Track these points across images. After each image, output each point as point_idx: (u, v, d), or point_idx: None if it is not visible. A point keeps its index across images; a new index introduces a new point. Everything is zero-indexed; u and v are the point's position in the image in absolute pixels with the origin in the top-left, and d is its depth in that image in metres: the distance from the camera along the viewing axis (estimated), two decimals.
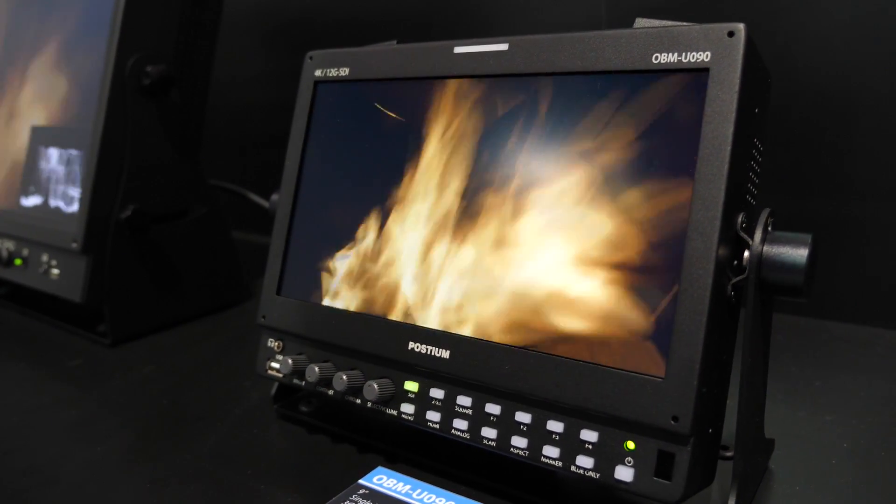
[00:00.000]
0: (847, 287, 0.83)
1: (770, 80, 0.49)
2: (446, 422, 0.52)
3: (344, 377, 0.56)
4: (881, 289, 0.82)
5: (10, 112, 0.96)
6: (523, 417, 0.48)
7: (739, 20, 0.44)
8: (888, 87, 0.79)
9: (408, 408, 0.54)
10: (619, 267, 0.46)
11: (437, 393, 0.53)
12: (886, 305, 0.82)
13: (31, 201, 0.89)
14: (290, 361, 0.59)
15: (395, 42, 0.61)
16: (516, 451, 0.48)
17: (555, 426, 0.47)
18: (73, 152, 0.84)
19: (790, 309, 0.82)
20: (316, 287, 0.60)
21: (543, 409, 0.48)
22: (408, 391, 0.54)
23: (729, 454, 0.53)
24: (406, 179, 0.57)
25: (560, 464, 0.47)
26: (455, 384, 0.52)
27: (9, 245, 0.92)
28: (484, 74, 0.54)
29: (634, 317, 0.45)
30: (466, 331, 0.51)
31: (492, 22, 1.08)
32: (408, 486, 0.52)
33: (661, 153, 0.45)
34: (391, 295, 0.56)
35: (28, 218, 0.89)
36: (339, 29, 1.24)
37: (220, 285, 0.98)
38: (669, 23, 0.47)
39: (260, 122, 1.38)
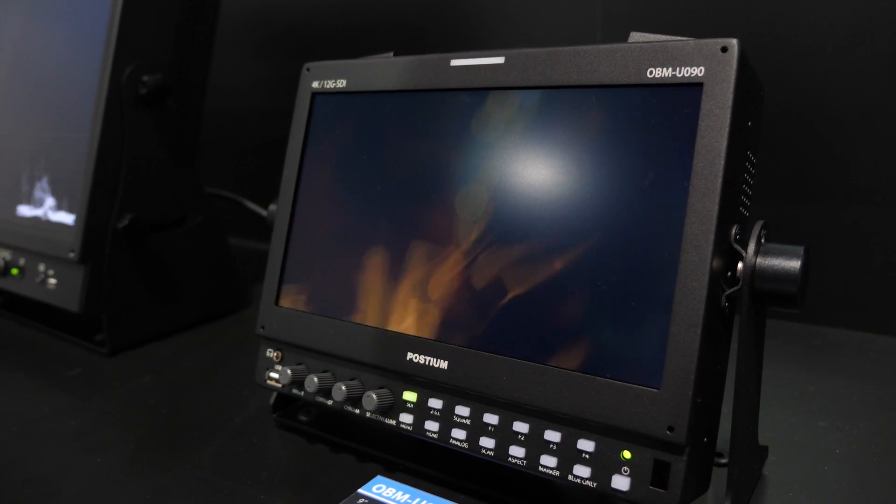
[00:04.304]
0: (840, 292, 0.84)
1: (763, 92, 0.49)
2: (445, 431, 0.52)
3: (343, 387, 0.56)
4: (874, 294, 0.83)
5: (6, 121, 0.96)
6: (521, 427, 0.49)
7: (733, 28, 0.45)
8: (880, 92, 0.80)
9: (406, 418, 0.54)
10: (613, 279, 0.46)
11: (435, 403, 0.53)
12: (879, 311, 0.83)
13: (28, 211, 0.90)
14: (289, 372, 0.60)
15: (391, 54, 0.62)
16: (514, 461, 0.49)
17: (552, 436, 0.48)
18: (71, 161, 0.85)
19: (783, 314, 0.83)
20: (315, 297, 0.61)
21: (541, 418, 0.48)
22: (406, 401, 0.55)
23: (723, 461, 0.54)
24: (404, 191, 0.57)
25: (557, 473, 0.47)
26: (453, 394, 0.52)
27: (5, 255, 0.92)
28: (480, 87, 0.54)
29: (630, 328, 0.45)
30: (464, 342, 0.52)
31: (486, 31, 1.08)
32: (407, 496, 0.53)
33: (655, 167, 0.46)
34: (390, 306, 0.56)
35: (24, 227, 0.89)
36: (332, 37, 1.24)
37: (217, 293, 0.98)
38: (664, 37, 0.47)
39: (254, 128, 1.38)
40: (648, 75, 0.47)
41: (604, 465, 0.46)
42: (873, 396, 0.68)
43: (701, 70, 0.45)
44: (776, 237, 0.47)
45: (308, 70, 0.65)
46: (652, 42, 0.47)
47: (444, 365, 0.52)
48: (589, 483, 0.46)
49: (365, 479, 0.55)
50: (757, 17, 0.85)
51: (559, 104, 0.51)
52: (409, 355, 0.54)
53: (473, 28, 1.09)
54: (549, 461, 0.47)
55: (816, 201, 0.86)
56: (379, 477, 0.55)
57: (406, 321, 0.55)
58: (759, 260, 0.45)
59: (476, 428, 0.51)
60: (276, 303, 0.63)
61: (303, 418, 0.65)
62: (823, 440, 0.60)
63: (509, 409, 0.50)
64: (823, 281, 0.73)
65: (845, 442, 0.60)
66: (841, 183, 0.84)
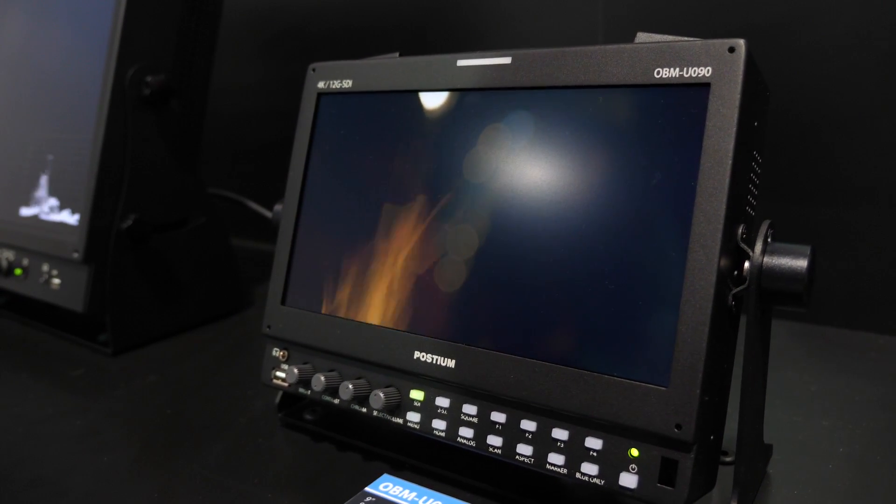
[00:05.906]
0: (842, 292, 0.85)
1: (769, 93, 0.50)
2: (452, 430, 0.53)
3: (350, 386, 0.56)
4: (875, 294, 0.84)
5: (9, 122, 0.96)
6: (528, 425, 0.49)
7: (735, 31, 0.45)
8: (882, 94, 0.80)
9: (414, 416, 0.55)
10: (621, 278, 0.47)
11: (442, 401, 0.53)
12: (880, 310, 0.83)
13: (31, 211, 0.90)
14: (295, 371, 0.60)
15: (397, 54, 0.62)
16: (522, 459, 0.49)
17: (560, 434, 0.48)
18: (74, 162, 0.85)
19: (786, 314, 0.83)
20: (321, 297, 0.61)
21: (548, 417, 0.48)
22: (414, 400, 0.55)
23: (729, 459, 0.54)
24: (409, 190, 0.57)
25: (565, 471, 0.47)
26: (460, 393, 0.53)
27: (8, 255, 0.92)
28: (486, 87, 0.55)
29: (637, 327, 0.46)
30: (472, 340, 0.52)
31: (487, 32, 1.09)
32: (414, 494, 0.53)
33: (662, 167, 0.46)
34: (397, 304, 0.56)
35: (28, 228, 0.89)
36: (334, 38, 1.24)
37: (220, 293, 0.99)
38: (671, 38, 0.48)
39: (256, 129, 1.38)
40: (656, 75, 0.47)
41: (611, 462, 0.46)
42: (876, 396, 0.68)
43: (708, 70, 0.45)
44: (779, 237, 0.47)
45: (314, 70, 0.65)
46: (659, 42, 0.48)
47: (451, 363, 0.52)
48: (597, 481, 0.46)
49: (372, 478, 0.55)
50: (757, 19, 0.85)
51: (566, 104, 0.51)
52: (417, 354, 0.54)
53: (474, 29, 1.10)
54: (556, 459, 0.48)
55: (817, 201, 0.86)
56: (386, 475, 0.56)
57: (413, 320, 0.55)
58: (766, 259, 0.45)
59: (483, 426, 0.51)
60: (283, 302, 0.63)
61: (308, 417, 0.65)
62: (827, 439, 0.60)
63: (517, 408, 0.50)
64: (826, 280, 0.73)
65: (849, 441, 0.60)
66: (842, 183, 0.85)
